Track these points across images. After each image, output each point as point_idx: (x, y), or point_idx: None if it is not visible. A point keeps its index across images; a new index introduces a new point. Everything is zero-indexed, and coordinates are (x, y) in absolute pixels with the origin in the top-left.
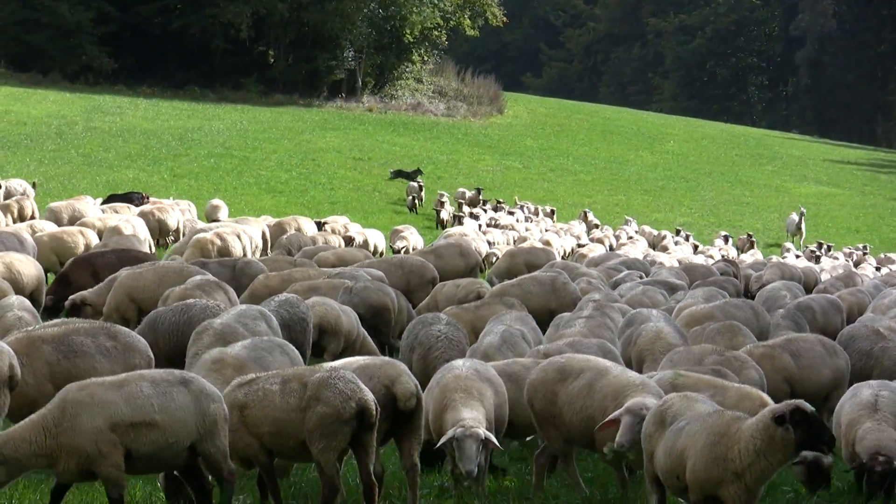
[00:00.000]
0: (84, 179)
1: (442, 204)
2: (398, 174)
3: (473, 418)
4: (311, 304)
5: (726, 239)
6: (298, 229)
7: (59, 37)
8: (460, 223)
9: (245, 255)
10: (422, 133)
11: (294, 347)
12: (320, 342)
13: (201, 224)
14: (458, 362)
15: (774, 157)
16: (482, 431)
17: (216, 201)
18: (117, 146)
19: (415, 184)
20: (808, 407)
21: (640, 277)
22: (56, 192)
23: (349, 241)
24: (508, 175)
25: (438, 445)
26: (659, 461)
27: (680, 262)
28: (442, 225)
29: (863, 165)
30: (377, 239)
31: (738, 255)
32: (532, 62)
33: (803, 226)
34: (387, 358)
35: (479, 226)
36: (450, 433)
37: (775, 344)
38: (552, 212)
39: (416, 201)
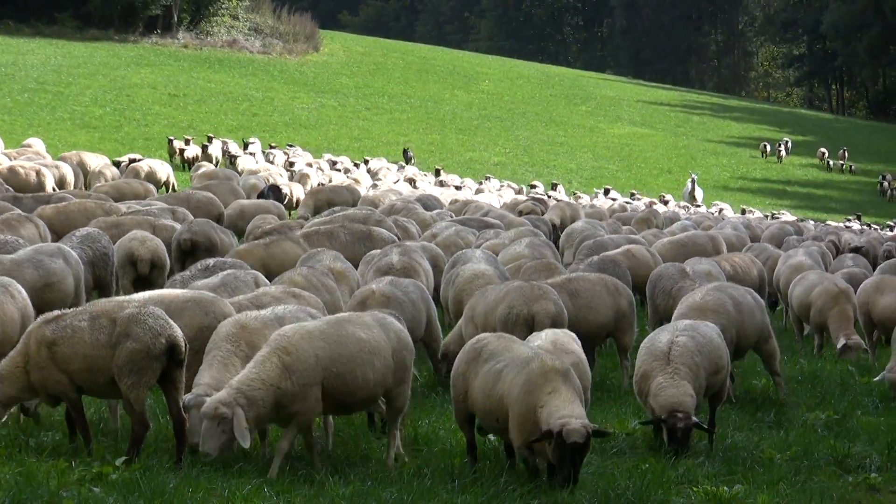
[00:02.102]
0: None
1: (179, 149)
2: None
3: (208, 384)
4: (140, 238)
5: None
6: (80, 163)
7: None
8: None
9: (47, 189)
10: (237, 70)
11: (21, 288)
12: (150, 276)
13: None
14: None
15: (589, 97)
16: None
17: (32, 140)
18: None
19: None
20: (575, 436)
21: (452, 216)
22: None
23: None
24: (324, 113)
25: None
26: (476, 402)
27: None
28: (188, 165)
29: (676, 107)
30: (167, 172)
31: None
32: (349, 0)
33: (697, 192)
34: (212, 294)
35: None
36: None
37: (555, 283)
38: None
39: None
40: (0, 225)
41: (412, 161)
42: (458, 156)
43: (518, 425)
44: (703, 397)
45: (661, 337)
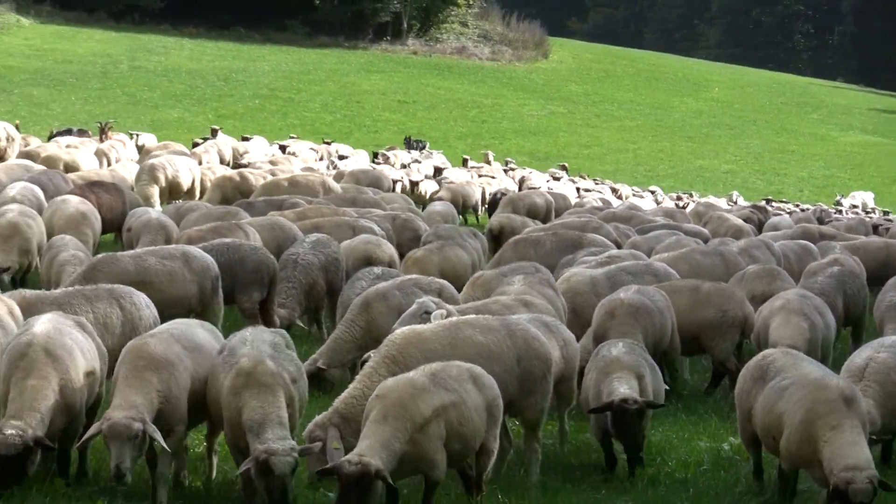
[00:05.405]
0: (129, 119)
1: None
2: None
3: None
4: (377, 242)
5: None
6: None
7: None
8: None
9: None
10: (466, 77)
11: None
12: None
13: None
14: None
15: (819, 105)
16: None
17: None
18: (162, 86)
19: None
20: (861, 497)
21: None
22: None
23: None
24: (553, 120)
25: None
26: (757, 418)
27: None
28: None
29: None
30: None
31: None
32: (577, 7)
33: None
34: None
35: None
36: None
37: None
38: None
39: None
40: (211, 233)
41: (422, 148)
42: (687, 163)
43: (790, 451)
44: None
45: (862, 353)
